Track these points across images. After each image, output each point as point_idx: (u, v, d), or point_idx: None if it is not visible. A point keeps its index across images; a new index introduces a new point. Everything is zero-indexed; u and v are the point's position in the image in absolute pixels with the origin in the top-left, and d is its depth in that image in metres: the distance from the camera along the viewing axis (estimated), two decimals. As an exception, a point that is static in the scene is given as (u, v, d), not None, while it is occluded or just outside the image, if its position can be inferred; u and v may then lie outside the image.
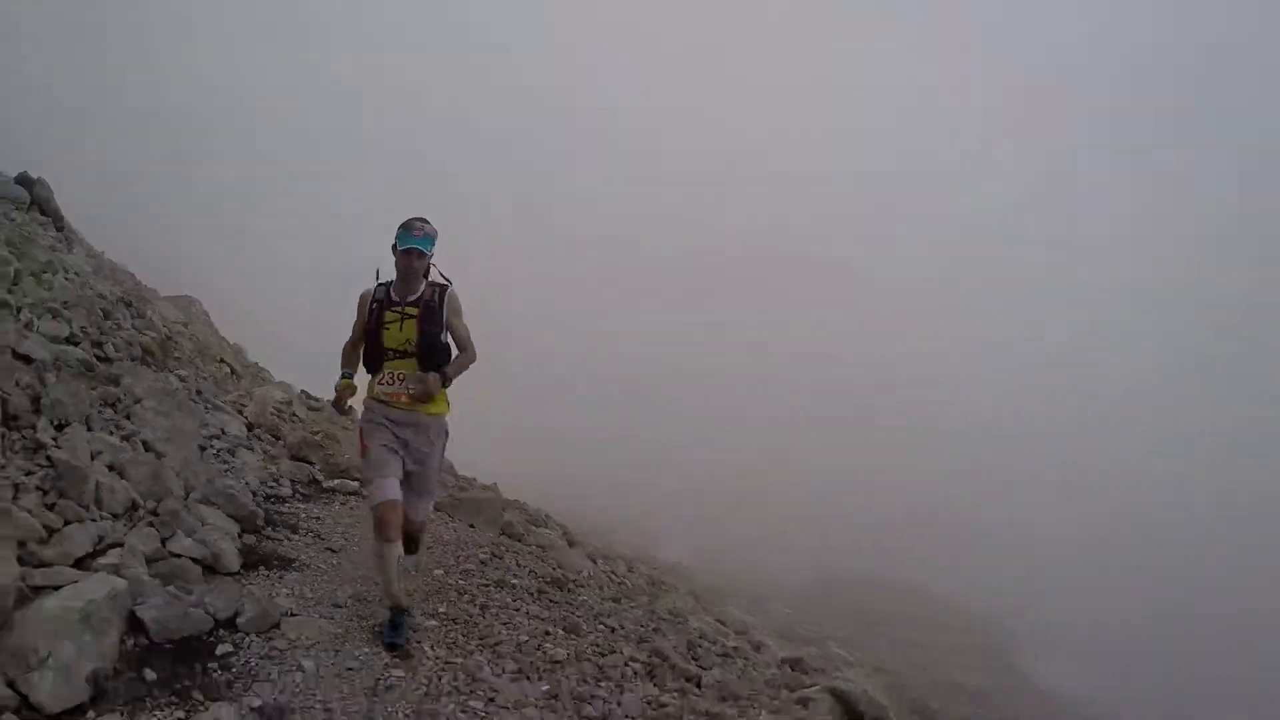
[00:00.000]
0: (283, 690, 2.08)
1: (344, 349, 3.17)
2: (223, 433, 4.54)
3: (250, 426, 5.17)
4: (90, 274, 5.83)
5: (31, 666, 1.66)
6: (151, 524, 2.57)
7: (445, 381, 3.04)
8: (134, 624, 2.02)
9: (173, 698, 1.89)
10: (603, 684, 2.95)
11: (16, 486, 2.23)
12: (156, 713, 1.82)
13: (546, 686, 2.78)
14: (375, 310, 3.07)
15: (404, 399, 3.02)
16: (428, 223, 3.12)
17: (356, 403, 3.18)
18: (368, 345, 3.11)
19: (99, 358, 4.03)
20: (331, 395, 3.17)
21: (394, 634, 2.95)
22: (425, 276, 3.06)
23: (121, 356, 4.38)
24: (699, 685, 3.22)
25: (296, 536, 3.47)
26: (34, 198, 6.92)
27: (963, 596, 34.98)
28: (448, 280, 3.10)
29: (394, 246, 3.07)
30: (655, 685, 3.08)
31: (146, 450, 3.20)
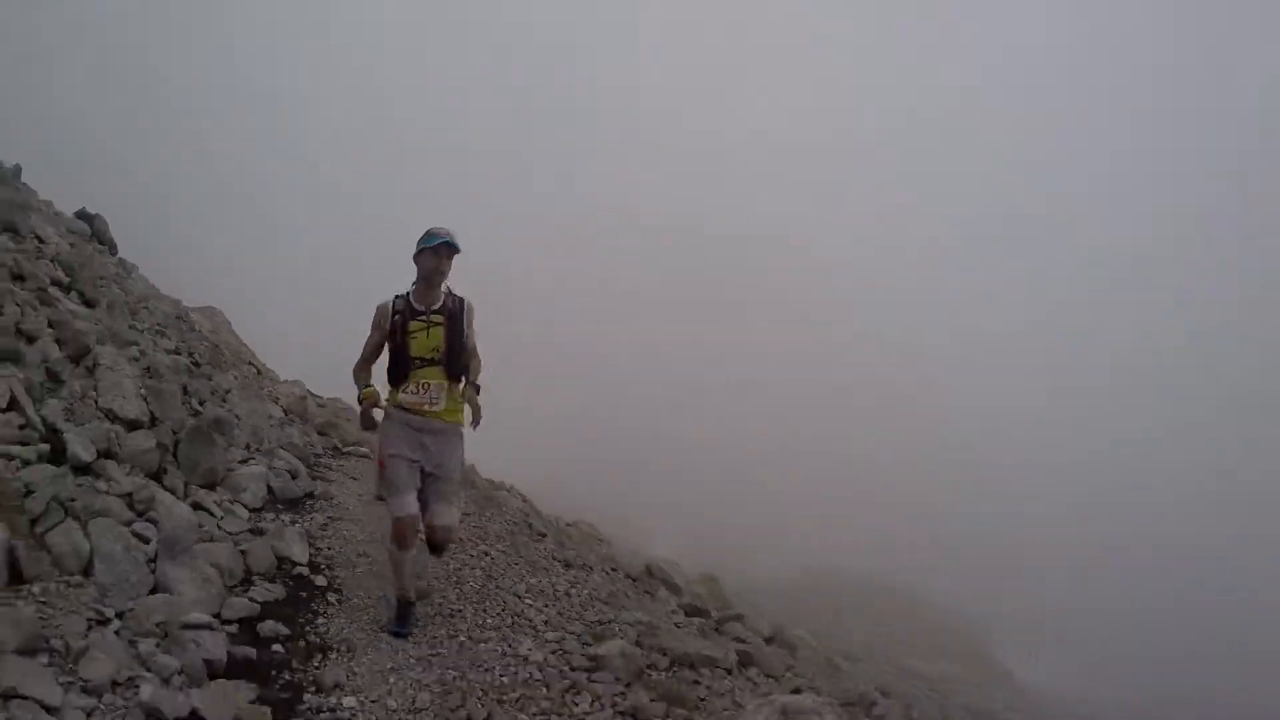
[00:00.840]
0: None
1: (355, 370, 3.39)
2: (270, 415, 6.65)
3: (285, 411, 7.29)
4: (152, 296, 7.95)
5: (229, 504, 3.79)
6: (259, 454, 4.71)
7: (478, 391, 3.33)
8: (270, 491, 4.15)
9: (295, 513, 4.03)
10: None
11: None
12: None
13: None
14: (399, 321, 3.25)
15: (425, 406, 3.24)
16: (448, 230, 3.28)
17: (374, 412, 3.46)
18: (394, 355, 3.29)
19: (194, 363, 6.15)
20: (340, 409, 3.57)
21: (400, 625, 3.25)
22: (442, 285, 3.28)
23: (203, 361, 6.49)
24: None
25: (330, 473, 5.60)
26: (94, 231, 9.01)
27: (941, 592, 35.55)
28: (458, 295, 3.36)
29: (419, 251, 3.26)
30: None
31: (240, 420, 5.32)
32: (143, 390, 3.74)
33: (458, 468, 3.35)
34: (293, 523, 3.86)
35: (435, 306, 3.26)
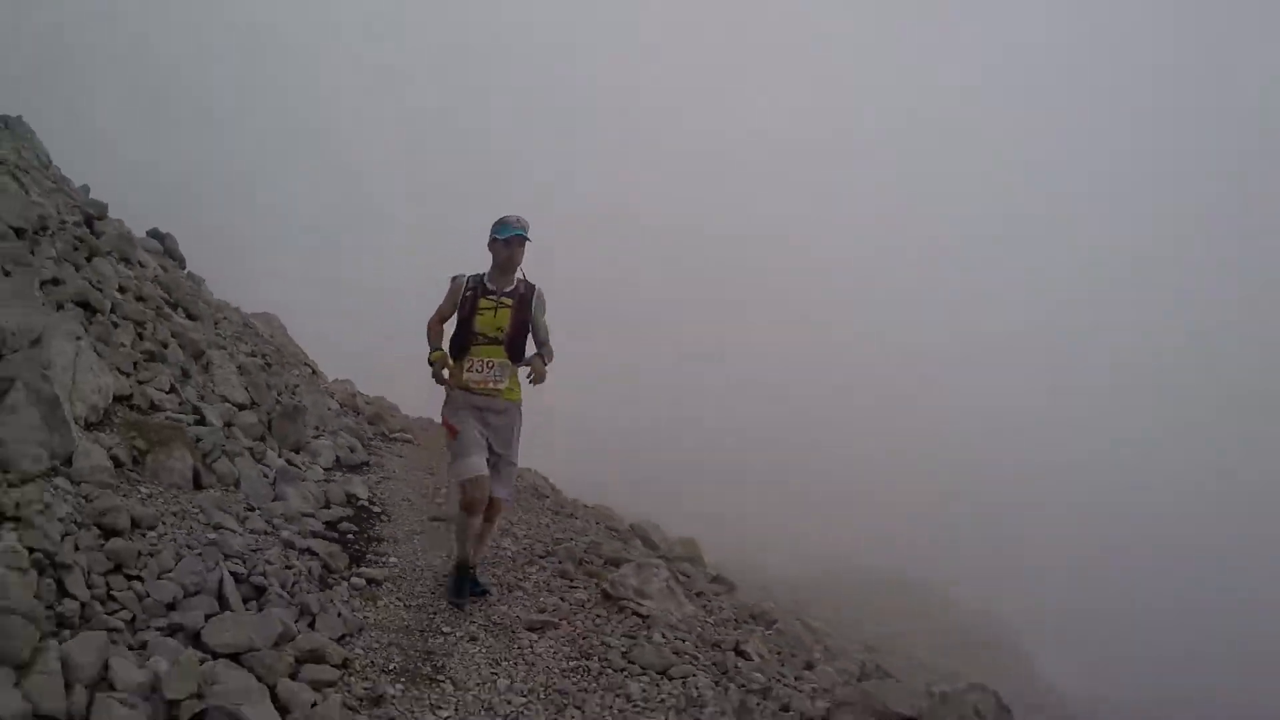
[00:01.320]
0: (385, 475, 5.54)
1: (430, 324, 3.62)
2: (329, 406, 8.04)
3: (340, 404, 8.70)
4: (222, 305, 9.43)
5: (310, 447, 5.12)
6: (325, 434, 6.06)
7: (544, 363, 3.55)
8: (337, 459, 5.48)
9: (357, 473, 5.36)
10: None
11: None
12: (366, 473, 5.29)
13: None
14: (470, 297, 3.51)
15: (490, 384, 3.47)
16: (522, 217, 3.56)
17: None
18: (459, 328, 3.53)
19: (266, 363, 7.56)
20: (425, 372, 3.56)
21: (456, 592, 3.55)
22: (518, 271, 3.51)
23: (272, 362, 7.92)
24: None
25: (381, 450, 6.93)
26: (165, 248, 10.55)
27: (954, 589, 36.68)
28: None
29: (492, 240, 3.51)
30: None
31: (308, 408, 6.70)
32: (245, 384, 5.09)
33: (518, 448, 3.63)
34: (356, 476, 5.18)
35: (507, 289, 3.53)
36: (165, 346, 4.79)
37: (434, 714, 2.56)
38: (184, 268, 9.71)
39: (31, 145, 7.25)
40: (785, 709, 3.00)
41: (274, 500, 3.64)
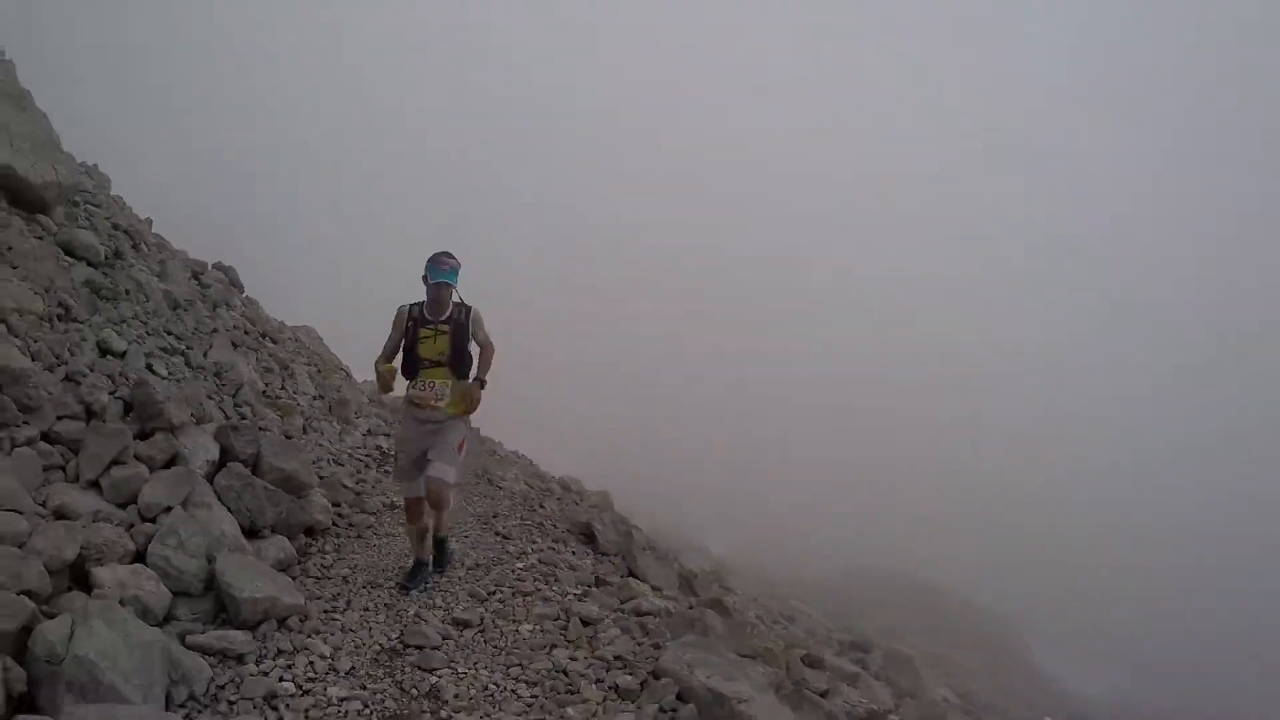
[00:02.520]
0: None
1: (376, 362, 4.28)
2: (362, 400, 11.48)
3: (369, 398, 12.15)
4: (273, 321, 12.93)
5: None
6: (361, 417, 9.49)
7: (483, 386, 4.18)
8: (369, 430, 8.91)
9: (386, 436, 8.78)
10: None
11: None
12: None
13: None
14: (411, 327, 4.18)
15: (431, 401, 4.16)
16: (452, 256, 4.13)
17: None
18: (406, 356, 4.18)
19: (316, 369, 11.02)
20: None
21: (410, 579, 4.45)
22: (451, 300, 4.10)
23: (321, 368, 11.38)
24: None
25: (396, 426, 10.35)
26: (230, 279, 14.06)
27: (972, 592, 38.16)
28: (465, 303, 4.16)
29: (425, 278, 4.13)
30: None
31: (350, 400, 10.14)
32: (313, 384, 8.53)
33: (454, 439, 4.20)
34: (386, 436, 8.59)
35: (443, 318, 4.16)
36: (268, 364, 8.22)
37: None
38: (242, 292, 13.14)
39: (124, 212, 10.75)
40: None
41: (340, 440, 7.02)
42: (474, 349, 4.30)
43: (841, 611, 24.82)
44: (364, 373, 14.88)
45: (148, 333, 5.50)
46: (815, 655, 5.45)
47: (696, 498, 48.60)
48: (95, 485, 4.01)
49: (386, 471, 7.04)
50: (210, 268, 12.18)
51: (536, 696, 3.40)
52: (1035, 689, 23.42)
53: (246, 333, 8.61)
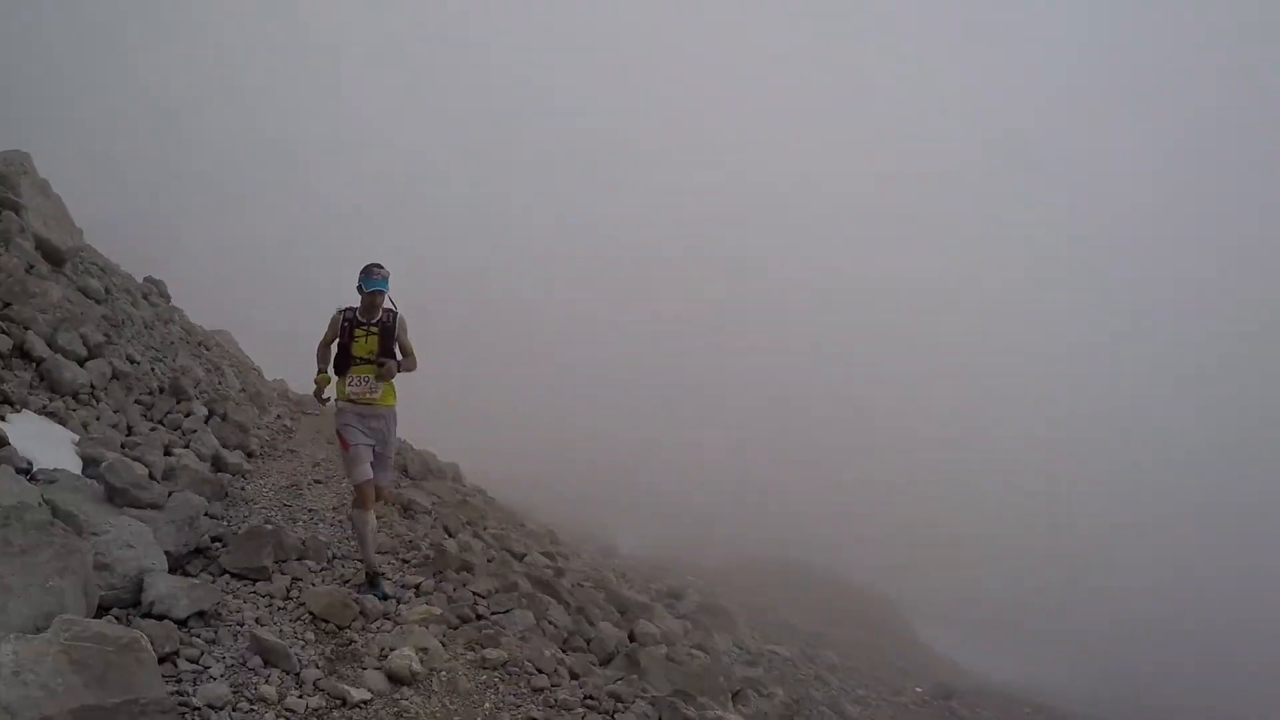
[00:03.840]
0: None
1: (319, 348, 5.16)
2: (274, 395, 15.19)
3: (279, 394, 15.85)
4: (197, 328, 16.51)
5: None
6: (272, 407, 13.33)
7: (397, 368, 5.03)
8: (279, 416, 12.79)
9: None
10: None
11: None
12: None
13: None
14: (346, 327, 5.02)
15: (367, 395, 4.96)
16: (382, 267, 5.08)
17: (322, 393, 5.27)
18: (340, 353, 5.02)
19: (234, 368, 14.69)
20: (310, 389, 5.08)
21: (374, 590, 5.12)
22: (381, 306, 5.00)
23: (238, 366, 15.05)
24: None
25: (304, 418, 14.23)
26: (160, 291, 17.49)
27: (885, 585, 39.47)
28: (396, 308, 5.08)
29: (359, 286, 5.04)
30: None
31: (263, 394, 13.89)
32: (240, 381, 12.32)
33: (394, 445, 5.18)
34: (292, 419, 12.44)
35: (374, 320, 5.03)
36: (207, 366, 11.96)
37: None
38: (170, 301, 16.50)
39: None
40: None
41: (259, 420, 10.88)
42: (398, 352, 5.19)
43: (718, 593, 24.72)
44: (272, 371, 18.35)
45: (145, 347, 9.29)
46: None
47: (613, 499, 49.46)
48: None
49: (288, 429, 10.88)
50: (142, 280, 15.56)
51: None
52: (919, 666, 23.97)
53: (187, 341, 12.32)
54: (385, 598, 5.09)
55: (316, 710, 3.62)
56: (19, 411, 5.13)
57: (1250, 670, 33.01)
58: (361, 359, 5.05)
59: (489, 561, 7.39)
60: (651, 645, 7.35)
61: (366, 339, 5.06)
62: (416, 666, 4.10)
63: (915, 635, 32.94)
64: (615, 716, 4.68)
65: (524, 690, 4.55)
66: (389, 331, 5.12)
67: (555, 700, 4.55)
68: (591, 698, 4.77)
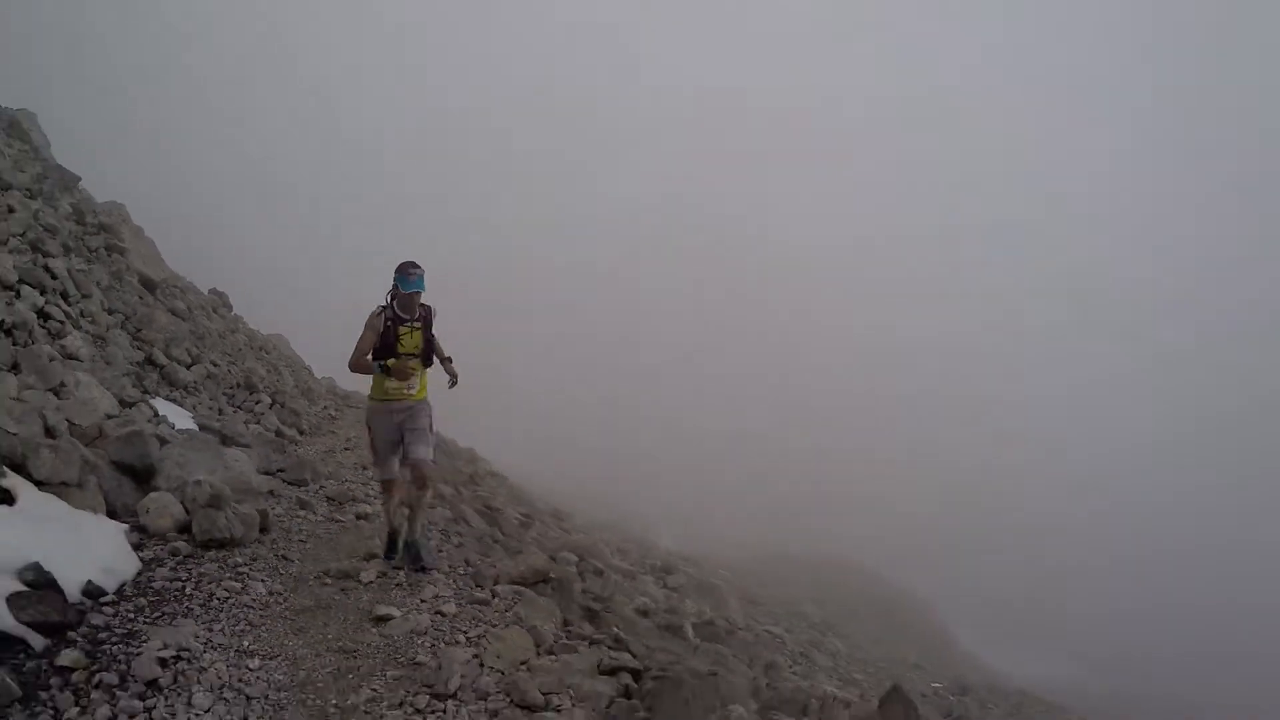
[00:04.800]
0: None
1: (358, 363, 5.31)
2: (323, 390, 18.45)
3: (328, 391, 19.13)
4: (258, 333, 19.91)
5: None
6: (321, 400, 16.56)
7: (455, 376, 5.50)
8: (326, 406, 16.01)
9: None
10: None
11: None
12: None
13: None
14: (390, 326, 5.23)
15: (405, 390, 5.25)
16: (418, 266, 5.27)
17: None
18: (383, 351, 5.22)
19: (290, 369, 17.97)
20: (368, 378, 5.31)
21: (390, 552, 5.60)
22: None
23: (295, 367, 18.35)
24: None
25: (348, 410, 17.43)
26: (223, 301, 20.97)
27: (906, 580, 40.90)
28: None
29: (396, 286, 5.25)
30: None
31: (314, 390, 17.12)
32: (293, 380, 15.54)
33: (425, 421, 5.41)
34: (335, 409, 15.63)
35: (415, 316, 5.35)
36: (268, 367, 15.20)
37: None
38: (232, 310, 19.83)
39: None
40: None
41: (309, 409, 14.02)
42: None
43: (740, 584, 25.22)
44: (322, 369, 21.65)
45: (222, 354, 12.46)
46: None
47: (658, 497, 50.82)
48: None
49: (333, 417, 13.99)
50: (208, 292, 18.79)
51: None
52: (944, 665, 24.13)
53: (251, 346, 15.58)
54: (421, 568, 5.53)
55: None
56: (154, 399, 8.14)
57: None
58: (408, 355, 5.31)
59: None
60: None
61: (411, 335, 5.31)
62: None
63: (948, 636, 34.01)
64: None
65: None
66: (429, 324, 5.43)
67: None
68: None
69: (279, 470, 7.63)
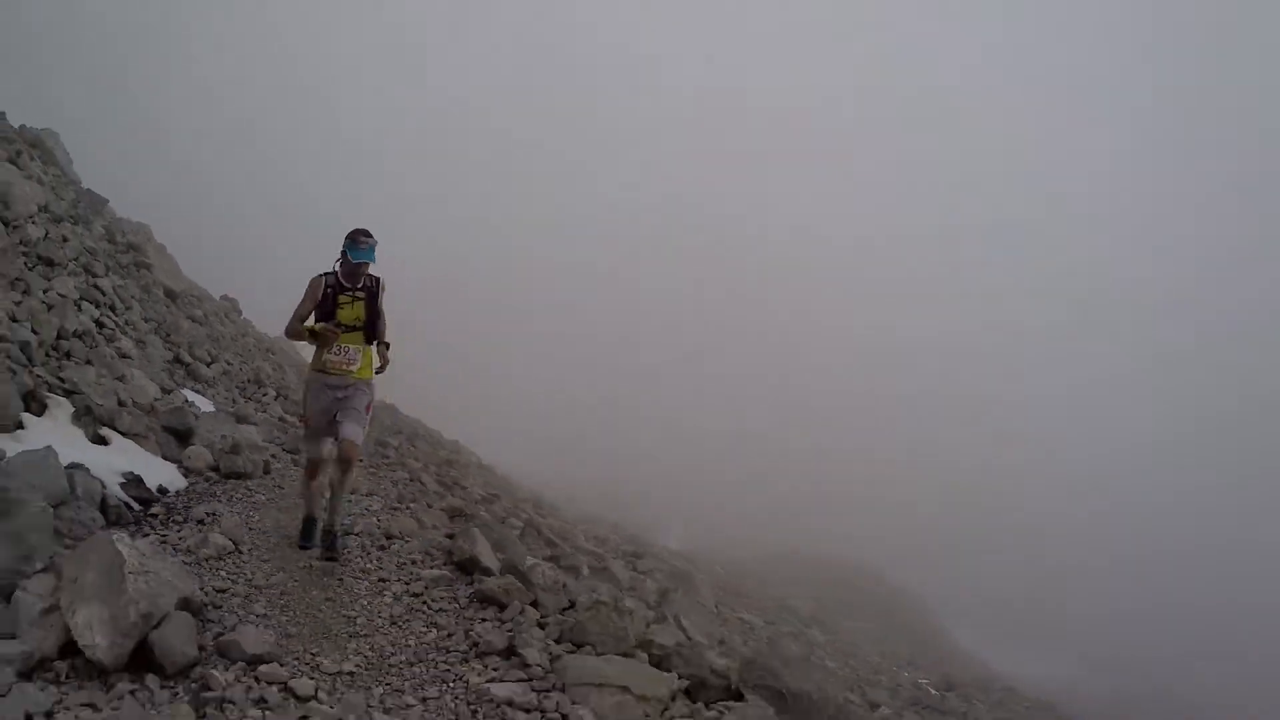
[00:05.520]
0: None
1: (292, 328, 5.18)
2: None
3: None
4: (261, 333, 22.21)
5: None
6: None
7: (388, 348, 5.27)
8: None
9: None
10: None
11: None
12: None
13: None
14: (330, 293, 5.04)
15: (345, 365, 5.12)
16: (371, 235, 5.12)
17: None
18: (322, 320, 5.06)
19: (294, 367, 20.26)
20: (304, 340, 5.22)
21: (305, 540, 5.55)
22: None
23: (289, 348, 20.62)
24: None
25: None
26: (233, 306, 23.29)
27: (904, 579, 42.47)
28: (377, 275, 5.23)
29: (344, 253, 5.11)
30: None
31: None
32: (295, 375, 17.82)
33: (363, 401, 5.30)
34: None
35: (359, 285, 5.17)
36: (274, 366, 17.46)
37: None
38: (241, 314, 22.13)
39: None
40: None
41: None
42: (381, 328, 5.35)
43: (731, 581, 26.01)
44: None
45: (235, 354, 14.72)
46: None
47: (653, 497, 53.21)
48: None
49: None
50: (220, 298, 21.07)
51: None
52: (936, 662, 24.43)
53: (259, 348, 17.89)
54: (331, 558, 5.47)
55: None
56: (183, 389, 10.37)
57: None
58: (347, 326, 5.14)
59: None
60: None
61: (352, 305, 5.15)
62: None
63: (945, 635, 34.91)
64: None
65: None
66: (374, 297, 5.26)
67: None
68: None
69: (279, 442, 9.88)
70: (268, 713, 3.55)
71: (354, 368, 5.24)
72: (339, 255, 5.19)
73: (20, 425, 5.43)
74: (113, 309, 10.24)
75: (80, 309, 9.39)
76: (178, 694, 3.57)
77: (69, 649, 3.50)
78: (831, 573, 39.30)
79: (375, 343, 5.32)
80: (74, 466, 5.16)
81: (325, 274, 5.17)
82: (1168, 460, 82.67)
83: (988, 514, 65.77)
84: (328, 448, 5.40)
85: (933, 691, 17.41)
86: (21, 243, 8.99)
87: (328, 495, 5.48)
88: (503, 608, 5.30)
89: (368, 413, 5.39)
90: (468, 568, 5.90)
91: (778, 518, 54.86)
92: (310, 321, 5.27)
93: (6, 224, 8.86)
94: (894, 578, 43.15)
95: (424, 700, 4.12)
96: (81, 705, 3.26)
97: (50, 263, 9.28)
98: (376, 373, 5.42)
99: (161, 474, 6.36)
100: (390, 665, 4.41)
